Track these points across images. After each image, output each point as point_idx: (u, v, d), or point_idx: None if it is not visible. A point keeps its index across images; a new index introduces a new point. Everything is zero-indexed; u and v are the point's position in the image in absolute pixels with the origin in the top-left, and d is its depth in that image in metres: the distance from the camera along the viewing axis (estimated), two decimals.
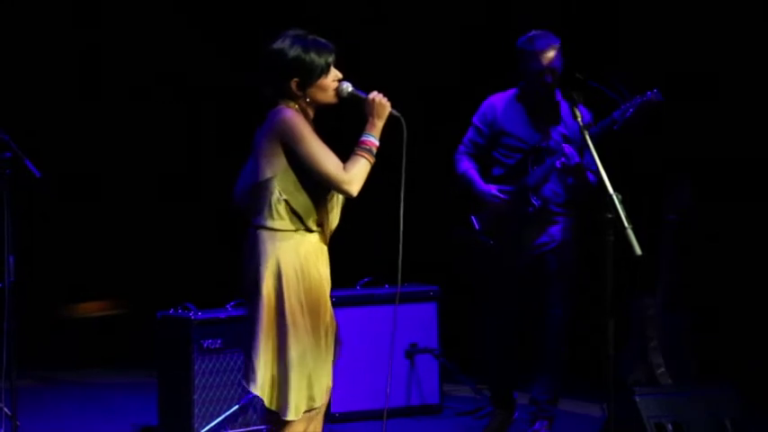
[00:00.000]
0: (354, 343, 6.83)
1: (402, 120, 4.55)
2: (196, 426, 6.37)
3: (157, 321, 6.56)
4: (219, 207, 5.56)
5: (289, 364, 4.42)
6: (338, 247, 4.83)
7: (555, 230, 6.19)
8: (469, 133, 6.32)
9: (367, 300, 6.99)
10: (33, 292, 7.35)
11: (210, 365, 6.43)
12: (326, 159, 4.42)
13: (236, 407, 6.42)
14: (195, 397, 6.38)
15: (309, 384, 4.44)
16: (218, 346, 6.47)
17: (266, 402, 4.44)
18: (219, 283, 6.63)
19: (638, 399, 5.44)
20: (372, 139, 4.51)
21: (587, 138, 4.55)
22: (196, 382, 6.39)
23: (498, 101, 6.26)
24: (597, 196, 6.02)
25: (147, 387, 6.97)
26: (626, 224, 4.26)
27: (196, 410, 6.38)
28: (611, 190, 4.31)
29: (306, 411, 4.46)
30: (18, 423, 6.06)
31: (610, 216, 4.28)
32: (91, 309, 9.86)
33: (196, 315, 6.44)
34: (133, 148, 9.48)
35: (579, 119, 4.64)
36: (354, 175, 4.45)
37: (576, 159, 5.96)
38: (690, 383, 6.34)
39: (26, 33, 9.09)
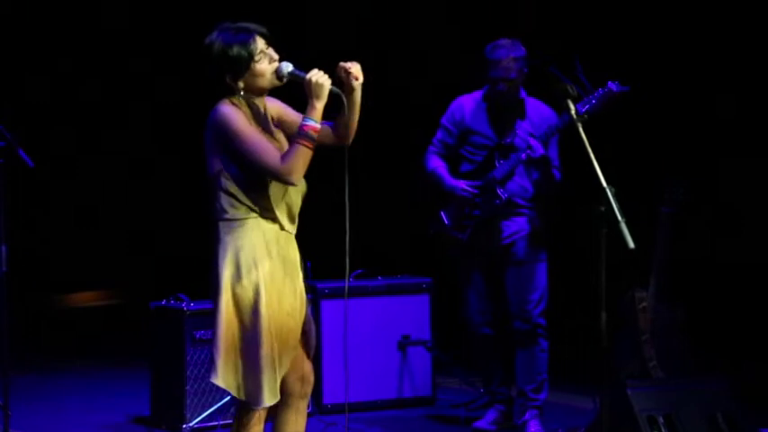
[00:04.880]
0: (346, 335, 6.83)
1: (343, 97, 4.45)
2: (188, 416, 6.38)
3: (150, 312, 6.57)
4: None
5: (251, 353, 4.40)
6: (331, 238, 4.82)
7: (523, 221, 6.35)
8: (438, 134, 6.49)
9: (359, 292, 6.99)
10: (26, 282, 7.35)
11: (203, 356, 6.42)
12: (263, 152, 4.37)
13: (228, 398, 6.41)
14: (188, 388, 6.38)
15: (275, 370, 4.42)
16: (210, 337, 6.44)
17: (233, 392, 4.43)
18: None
19: (630, 392, 5.43)
20: (312, 122, 4.39)
21: (580, 130, 4.53)
22: (188, 372, 6.39)
23: (466, 101, 6.44)
24: (561, 190, 6.22)
25: (140, 377, 6.97)
26: (619, 217, 4.25)
27: (188, 401, 6.38)
28: (604, 183, 4.30)
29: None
30: (10, 413, 6.06)
31: (603, 209, 4.26)
32: (84, 299, 9.87)
33: (189, 306, 6.44)
34: (130, 139, 9.48)
35: (573, 111, 4.63)
36: (293, 165, 4.37)
37: (541, 151, 6.08)
38: (682, 377, 6.34)
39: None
